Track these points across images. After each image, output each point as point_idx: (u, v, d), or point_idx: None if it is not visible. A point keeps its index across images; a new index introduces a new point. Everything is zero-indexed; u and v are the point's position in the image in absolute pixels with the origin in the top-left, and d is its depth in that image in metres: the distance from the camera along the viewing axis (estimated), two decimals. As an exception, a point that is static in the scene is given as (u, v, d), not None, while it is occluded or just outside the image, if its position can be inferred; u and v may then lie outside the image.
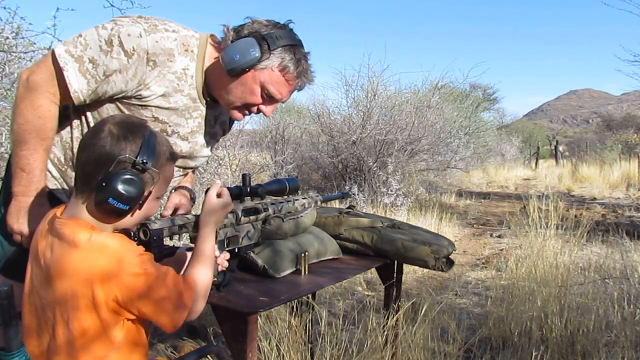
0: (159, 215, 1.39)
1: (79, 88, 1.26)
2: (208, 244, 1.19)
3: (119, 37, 1.25)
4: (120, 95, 1.32)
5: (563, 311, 2.56)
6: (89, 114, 1.35)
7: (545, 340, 2.51)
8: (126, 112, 1.35)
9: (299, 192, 1.61)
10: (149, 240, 1.13)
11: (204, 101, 1.45)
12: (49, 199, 1.35)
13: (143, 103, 1.34)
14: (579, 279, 2.85)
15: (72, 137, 1.38)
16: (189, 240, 1.58)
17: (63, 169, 1.40)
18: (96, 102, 1.33)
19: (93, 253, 0.97)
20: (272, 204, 1.51)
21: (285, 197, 1.56)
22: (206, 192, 1.31)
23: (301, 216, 1.73)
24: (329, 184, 7.38)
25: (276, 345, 1.93)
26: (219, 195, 1.24)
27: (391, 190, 6.39)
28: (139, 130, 1.04)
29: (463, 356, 2.38)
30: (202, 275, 1.14)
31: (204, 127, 1.49)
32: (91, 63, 1.25)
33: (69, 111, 1.38)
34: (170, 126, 1.40)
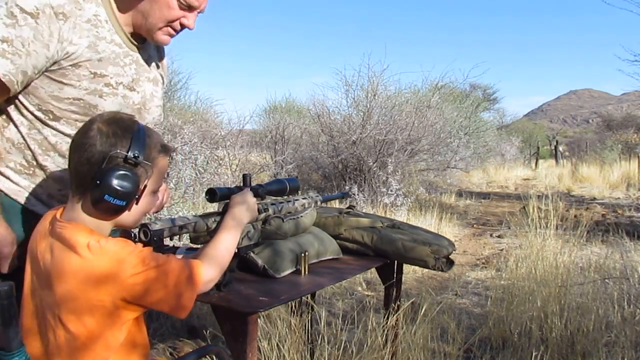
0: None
1: (7, 70, 1.18)
2: (232, 235, 1.23)
3: (16, 4, 1.19)
4: (50, 64, 1.25)
5: (563, 311, 2.56)
6: (25, 102, 1.28)
7: (545, 340, 2.51)
8: (63, 81, 1.27)
9: (299, 192, 1.61)
10: (150, 240, 1.13)
11: (132, 45, 1.40)
12: (25, 215, 1.29)
13: (74, 62, 1.27)
14: (579, 279, 2.85)
15: (22, 136, 1.30)
16: (189, 241, 1.58)
17: (30, 172, 1.32)
18: (27, 86, 1.25)
19: (93, 256, 0.97)
20: (272, 204, 1.51)
21: (285, 197, 1.56)
22: (207, 192, 1.31)
23: (301, 216, 1.73)
24: (329, 184, 7.39)
25: (276, 345, 1.93)
26: None
27: (391, 190, 6.39)
28: (128, 125, 1.04)
29: (463, 356, 2.38)
30: (224, 241, 1.18)
31: (144, 74, 1.44)
32: (5, 42, 1.18)
33: (5, 113, 1.30)
34: (111, 78, 1.34)
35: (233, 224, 1.24)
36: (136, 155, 1.01)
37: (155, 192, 1.11)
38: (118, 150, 1.00)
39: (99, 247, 0.98)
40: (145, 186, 1.06)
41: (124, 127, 1.03)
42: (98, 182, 0.98)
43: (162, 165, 1.11)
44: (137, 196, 1.04)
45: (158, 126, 1.53)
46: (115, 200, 0.99)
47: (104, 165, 0.99)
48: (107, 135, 1.01)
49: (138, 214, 1.09)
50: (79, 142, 1.02)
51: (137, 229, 1.14)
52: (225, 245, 1.19)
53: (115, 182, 0.98)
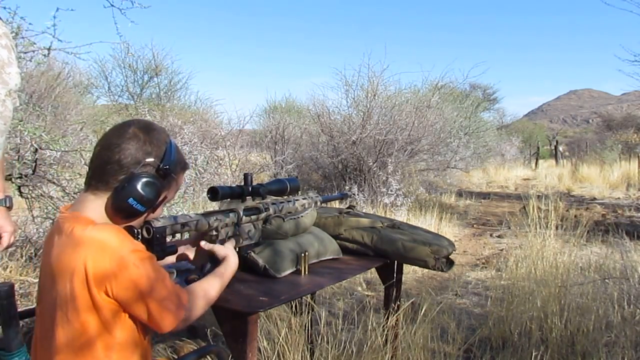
0: None
1: None
2: (217, 284, 1.23)
3: None
4: None
5: (563, 311, 2.56)
6: None
7: (545, 340, 2.51)
8: None
9: (299, 192, 1.61)
10: (152, 237, 1.13)
11: None
12: None
13: None
14: (579, 279, 2.85)
15: None
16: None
17: None
18: None
19: (92, 253, 0.97)
20: (273, 203, 1.51)
21: (286, 197, 1.56)
22: (209, 190, 1.31)
23: (301, 216, 1.73)
24: (329, 184, 7.39)
25: (276, 345, 1.93)
26: None
27: (391, 190, 6.39)
28: (162, 137, 1.08)
29: (463, 356, 2.38)
30: (210, 283, 1.18)
31: None
32: None
33: None
34: None
35: (223, 273, 1.26)
36: (167, 167, 1.05)
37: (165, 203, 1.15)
38: (153, 159, 1.04)
39: (99, 242, 0.98)
40: (165, 197, 1.10)
41: (159, 137, 1.07)
42: (126, 184, 1.01)
43: (180, 180, 1.16)
44: (155, 205, 1.07)
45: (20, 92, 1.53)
46: (137, 204, 1.02)
47: (137, 170, 1.02)
48: (144, 142, 1.04)
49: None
50: (112, 142, 1.03)
51: (140, 226, 1.14)
52: (216, 291, 1.20)
53: (142, 188, 1.01)
